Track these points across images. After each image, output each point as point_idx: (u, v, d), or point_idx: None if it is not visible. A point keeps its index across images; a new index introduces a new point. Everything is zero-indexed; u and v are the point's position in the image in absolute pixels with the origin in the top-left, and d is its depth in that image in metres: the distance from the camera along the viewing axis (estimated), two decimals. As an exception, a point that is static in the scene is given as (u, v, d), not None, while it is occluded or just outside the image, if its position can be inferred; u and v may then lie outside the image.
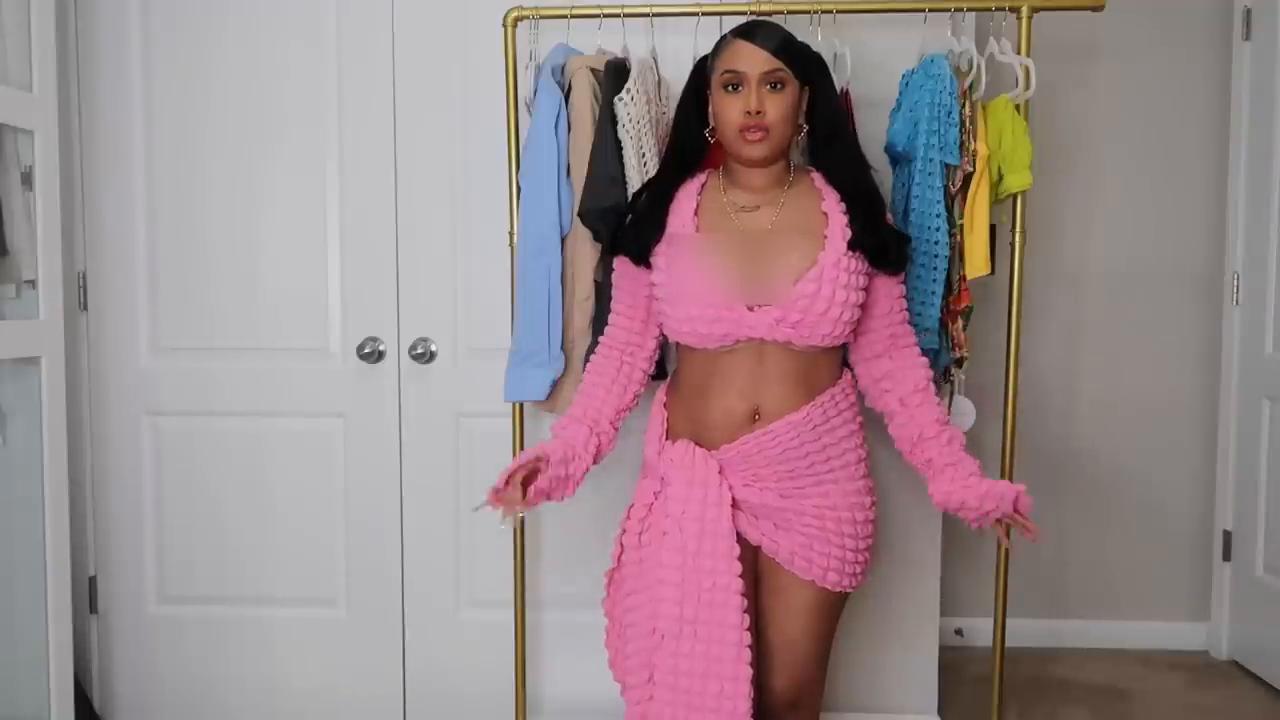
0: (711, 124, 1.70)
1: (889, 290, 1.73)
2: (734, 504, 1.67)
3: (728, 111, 1.64)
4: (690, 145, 1.75)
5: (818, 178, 1.74)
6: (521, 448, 2.23)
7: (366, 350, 2.40)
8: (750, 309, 1.62)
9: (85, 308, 2.45)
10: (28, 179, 1.97)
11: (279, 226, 2.42)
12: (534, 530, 2.38)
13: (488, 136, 2.31)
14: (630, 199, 1.90)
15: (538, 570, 2.38)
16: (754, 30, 1.65)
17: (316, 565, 2.48)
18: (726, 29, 1.78)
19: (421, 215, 2.39)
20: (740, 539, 1.67)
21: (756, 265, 1.65)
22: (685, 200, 1.72)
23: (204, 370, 2.45)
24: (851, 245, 1.65)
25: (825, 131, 1.71)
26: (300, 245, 2.42)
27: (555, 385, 2.13)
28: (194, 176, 2.41)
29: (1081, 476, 3.18)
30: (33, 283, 1.98)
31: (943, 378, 2.17)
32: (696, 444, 1.69)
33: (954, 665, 2.87)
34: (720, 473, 1.66)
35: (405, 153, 2.38)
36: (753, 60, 1.62)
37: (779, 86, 1.63)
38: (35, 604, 1.97)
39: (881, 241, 1.67)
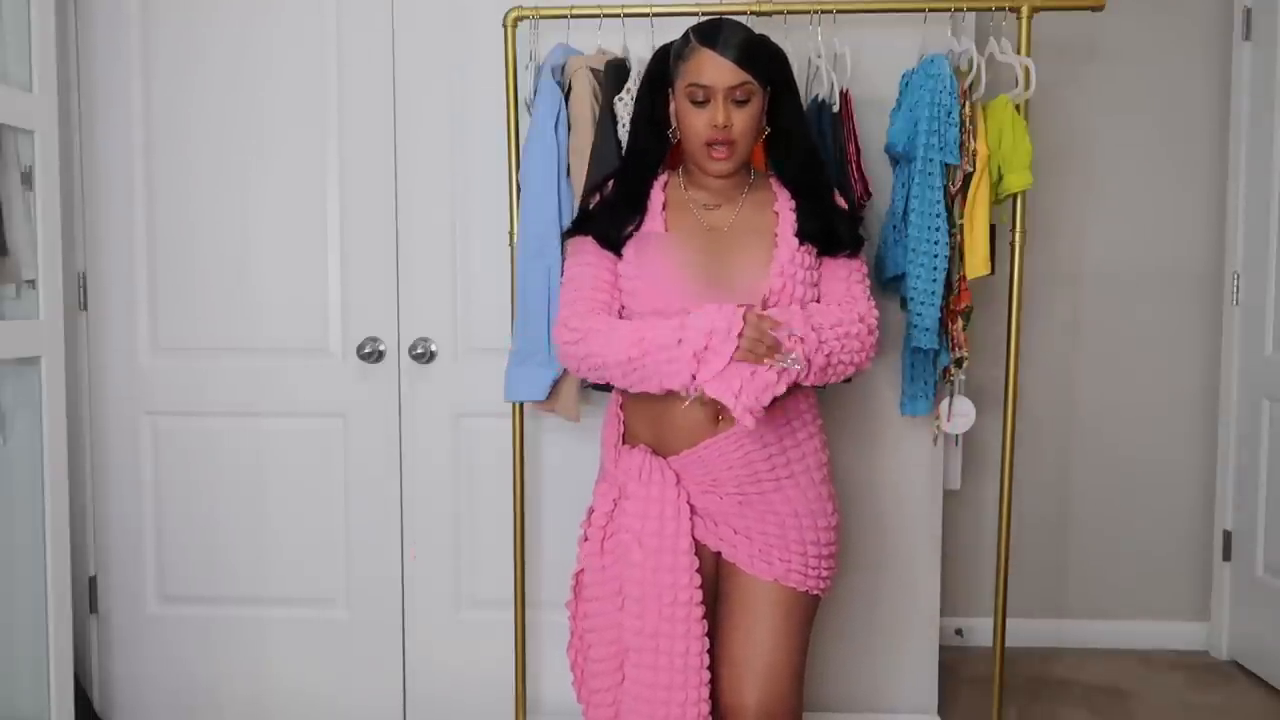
0: (674, 124, 1.69)
1: (838, 272, 1.69)
2: (692, 510, 1.65)
3: (694, 125, 1.63)
4: (651, 144, 1.73)
5: (775, 180, 1.74)
6: (521, 448, 2.24)
7: (366, 350, 2.40)
8: None
9: (85, 308, 2.45)
10: (28, 179, 1.96)
11: (279, 226, 2.42)
12: (534, 530, 2.38)
13: (488, 136, 2.31)
14: (593, 186, 1.84)
15: (538, 570, 2.38)
16: (716, 35, 1.61)
17: (316, 565, 2.47)
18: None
19: (421, 215, 2.39)
20: (700, 547, 1.66)
21: (718, 264, 1.64)
22: (655, 195, 1.72)
23: (204, 370, 2.45)
24: (801, 238, 1.64)
25: (782, 131, 1.70)
26: (300, 245, 2.42)
27: (555, 385, 2.13)
28: (194, 176, 2.41)
29: (1081, 477, 3.18)
30: (33, 283, 1.98)
31: (942, 378, 2.17)
32: (654, 450, 1.67)
33: (954, 665, 2.87)
34: (678, 483, 1.64)
35: (405, 152, 2.38)
36: (719, 74, 1.59)
37: (745, 100, 1.61)
38: (35, 604, 1.97)
39: (829, 226, 1.66)
